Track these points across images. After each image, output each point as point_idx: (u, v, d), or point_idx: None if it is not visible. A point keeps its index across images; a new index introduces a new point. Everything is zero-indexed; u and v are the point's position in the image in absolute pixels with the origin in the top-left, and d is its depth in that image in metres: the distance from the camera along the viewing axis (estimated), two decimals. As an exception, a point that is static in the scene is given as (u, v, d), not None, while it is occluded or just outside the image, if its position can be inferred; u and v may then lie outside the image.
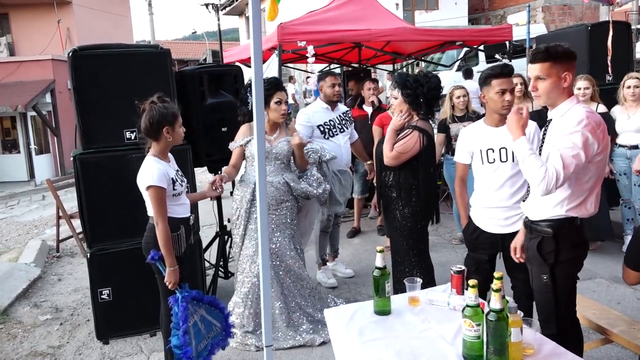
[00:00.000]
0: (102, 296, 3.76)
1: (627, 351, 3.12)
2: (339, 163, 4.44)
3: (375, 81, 6.23)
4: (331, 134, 4.51)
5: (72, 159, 3.68)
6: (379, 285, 2.35)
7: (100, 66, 3.62)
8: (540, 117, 3.05)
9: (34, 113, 13.37)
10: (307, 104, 13.48)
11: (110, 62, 3.65)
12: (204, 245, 4.49)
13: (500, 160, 2.94)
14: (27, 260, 5.76)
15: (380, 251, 2.38)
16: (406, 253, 3.51)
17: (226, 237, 4.68)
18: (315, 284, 4.14)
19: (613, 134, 4.69)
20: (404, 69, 9.95)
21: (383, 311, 2.38)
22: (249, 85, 3.83)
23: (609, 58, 5.47)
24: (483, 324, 1.90)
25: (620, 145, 4.79)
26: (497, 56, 13.12)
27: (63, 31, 16.37)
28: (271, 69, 5.83)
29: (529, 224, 2.55)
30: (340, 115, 4.61)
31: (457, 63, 13.54)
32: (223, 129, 4.16)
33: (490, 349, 1.89)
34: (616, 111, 4.85)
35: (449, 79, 11.96)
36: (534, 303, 2.69)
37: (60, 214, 6.22)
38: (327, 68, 8.77)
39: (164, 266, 2.90)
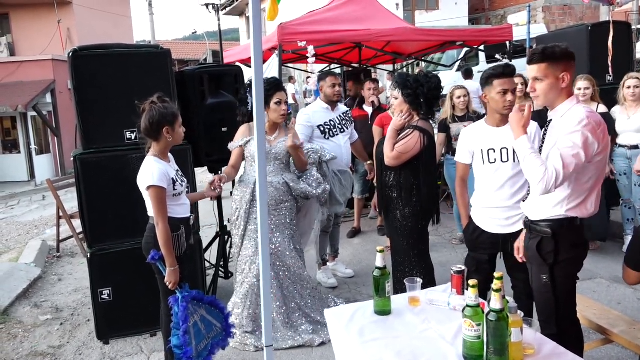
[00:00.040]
0: (103, 296, 3.76)
1: (627, 351, 3.12)
2: (339, 163, 4.44)
3: (376, 81, 6.23)
4: (331, 134, 4.51)
5: (72, 159, 3.68)
6: (379, 285, 2.36)
7: (101, 66, 3.62)
8: (541, 117, 3.05)
9: (34, 113, 13.37)
10: (307, 104, 13.48)
11: (110, 62, 3.65)
12: (205, 245, 4.49)
13: (501, 161, 2.94)
14: (28, 260, 5.76)
15: (381, 251, 2.38)
16: (406, 253, 3.51)
17: (226, 237, 4.68)
18: (315, 284, 4.14)
19: (613, 134, 4.69)
20: (405, 69, 9.95)
21: (383, 311, 2.38)
22: (249, 85, 3.83)
23: (610, 58, 5.47)
24: (483, 324, 1.90)
25: (621, 146, 4.79)
26: (497, 56, 13.12)
27: (63, 31, 16.38)
28: (271, 69, 5.83)
29: (529, 224, 2.55)
30: (340, 116, 4.62)
31: (458, 63, 13.54)
32: (223, 129, 4.17)
33: (491, 349, 1.89)
34: (616, 111, 4.85)
35: (449, 79, 11.96)
36: (534, 303, 2.69)
37: (61, 214, 6.22)
38: (328, 68, 8.78)
39: (165, 266, 2.91)
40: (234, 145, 3.77)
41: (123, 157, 3.65)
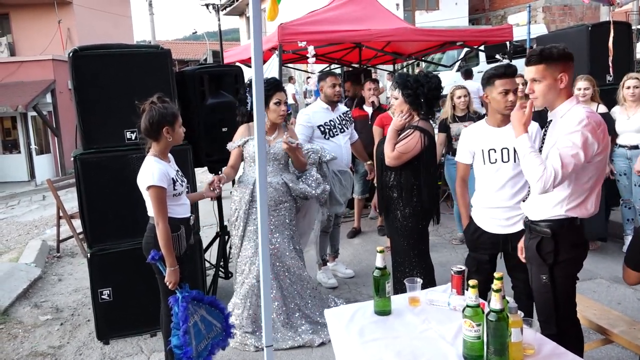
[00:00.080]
0: (103, 296, 3.76)
1: (627, 351, 3.12)
2: (339, 163, 4.44)
3: (376, 81, 6.23)
4: (331, 134, 4.51)
5: (72, 159, 3.68)
6: (379, 285, 2.36)
7: (101, 66, 3.62)
8: (542, 118, 3.05)
9: (34, 113, 13.38)
10: (307, 104, 13.48)
11: (110, 62, 3.65)
12: (205, 245, 4.49)
13: (502, 161, 2.94)
14: (28, 261, 5.76)
15: (381, 251, 2.38)
16: (406, 253, 3.51)
17: (226, 237, 4.68)
18: (315, 284, 4.14)
19: (613, 134, 4.69)
20: (405, 70, 9.94)
21: (383, 311, 2.38)
22: (248, 85, 3.83)
23: (610, 58, 5.47)
24: (483, 324, 1.90)
25: (621, 146, 4.79)
26: (497, 56, 13.12)
27: (63, 31, 16.39)
28: (271, 69, 5.83)
29: (529, 224, 2.55)
30: (340, 116, 4.62)
31: (458, 63, 13.54)
32: (223, 129, 4.17)
33: (491, 349, 1.89)
34: (616, 111, 4.85)
35: (449, 79, 11.97)
36: (534, 303, 2.69)
37: (61, 214, 6.22)
38: (328, 68, 8.78)
39: (165, 266, 2.91)
40: (232, 146, 3.77)
41: (123, 157, 3.65)
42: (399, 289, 3.12)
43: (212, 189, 3.30)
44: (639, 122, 4.65)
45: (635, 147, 4.68)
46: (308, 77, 15.56)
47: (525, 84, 5.12)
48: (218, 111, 4.20)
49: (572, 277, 2.52)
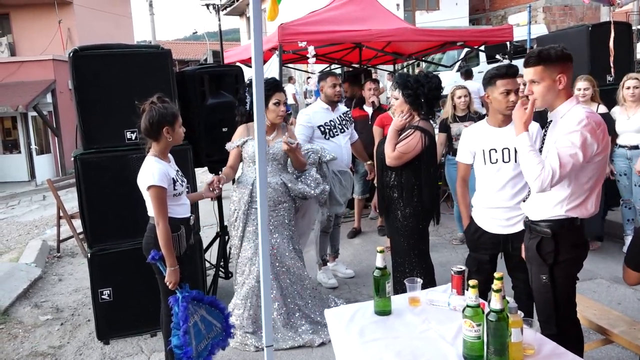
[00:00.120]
0: (103, 296, 3.76)
1: (627, 352, 3.12)
2: (340, 164, 4.44)
3: (376, 82, 6.23)
4: (332, 135, 4.51)
5: (72, 159, 3.68)
6: (380, 285, 2.36)
7: (101, 66, 3.62)
8: (542, 118, 3.05)
9: (34, 113, 13.38)
10: (307, 104, 13.48)
11: (111, 62, 3.65)
12: (205, 245, 4.49)
13: (503, 161, 2.94)
14: (28, 261, 5.76)
15: (381, 251, 2.39)
16: (407, 253, 3.51)
17: (226, 237, 4.68)
18: (315, 284, 4.15)
19: (613, 134, 4.69)
20: (405, 70, 9.94)
21: (383, 311, 2.38)
22: (247, 85, 3.84)
23: (612, 59, 5.47)
24: (483, 324, 1.90)
25: (621, 146, 4.79)
26: (497, 57, 13.13)
27: (64, 31, 16.39)
28: (272, 69, 5.83)
29: (529, 224, 2.55)
30: (340, 116, 4.62)
31: (458, 63, 13.54)
32: (224, 129, 4.17)
33: (491, 349, 1.89)
34: (616, 112, 4.85)
35: (449, 79, 11.97)
36: (534, 303, 2.69)
37: (61, 214, 6.22)
38: (328, 68, 8.78)
39: (165, 266, 2.91)
40: (231, 146, 3.77)
41: (123, 157, 3.65)
42: (399, 289, 3.12)
43: (211, 189, 3.31)
44: (639, 122, 4.65)
45: (636, 147, 4.68)
46: (308, 77, 15.56)
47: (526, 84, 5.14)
48: (218, 111, 4.20)
49: (572, 277, 2.53)
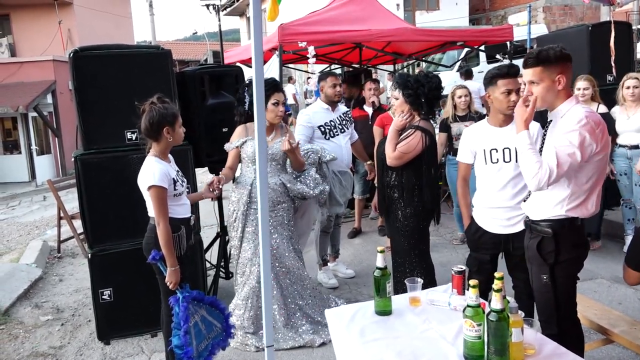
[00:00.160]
0: (103, 297, 3.76)
1: (628, 351, 3.12)
2: (340, 164, 4.44)
3: (376, 82, 6.23)
4: (332, 135, 4.51)
5: (73, 159, 3.69)
6: (380, 285, 2.36)
7: (102, 67, 3.63)
8: (543, 118, 3.05)
9: (35, 114, 13.38)
10: (307, 105, 13.48)
11: (111, 62, 3.65)
12: (205, 245, 4.49)
13: (504, 161, 2.95)
14: (28, 261, 5.77)
15: (381, 251, 2.39)
16: (407, 253, 3.51)
17: (227, 237, 4.68)
18: (315, 284, 4.14)
19: (613, 134, 4.69)
20: (405, 70, 9.94)
21: (384, 311, 2.38)
22: (246, 85, 3.84)
23: (613, 58, 5.47)
24: (484, 324, 1.90)
25: (621, 146, 4.79)
26: (498, 56, 13.11)
27: (64, 32, 16.38)
28: (272, 69, 5.83)
29: (529, 224, 2.56)
30: (340, 116, 4.62)
31: (458, 63, 13.54)
32: (224, 130, 4.16)
33: (491, 349, 1.89)
34: (616, 111, 4.85)
35: (449, 79, 11.96)
36: (535, 303, 2.69)
37: (62, 214, 6.23)
38: (328, 69, 8.78)
39: (165, 266, 2.91)
40: (230, 147, 3.77)
41: (124, 158, 3.66)
42: (400, 289, 3.12)
43: (211, 189, 3.31)
44: (639, 121, 4.65)
45: (636, 147, 4.68)
46: (308, 78, 15.57)
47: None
48: (218, 111, 4.21)
49: (572, 277, 2.52)
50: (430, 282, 3.40)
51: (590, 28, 5.78)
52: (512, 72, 2.91)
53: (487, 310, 1.94)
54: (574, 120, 2.29)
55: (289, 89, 16.23)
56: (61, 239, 6.38)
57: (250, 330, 3.70)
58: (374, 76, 8.53)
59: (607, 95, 4.96)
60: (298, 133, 4.42)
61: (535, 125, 2.88)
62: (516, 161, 2.87)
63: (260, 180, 2.31)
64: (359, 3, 6.74)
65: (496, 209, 3.00)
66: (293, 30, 5.70)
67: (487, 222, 3.05)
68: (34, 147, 13.72)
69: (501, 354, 1.87)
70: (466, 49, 10.71)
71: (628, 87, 4.67)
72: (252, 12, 2.17)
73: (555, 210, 2.42)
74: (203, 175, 6.36)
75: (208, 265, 4.55)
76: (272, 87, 3.72)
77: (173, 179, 2.94)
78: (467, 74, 10.06)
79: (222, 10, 24.29)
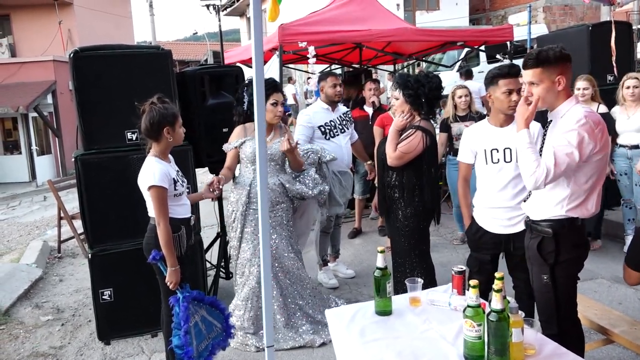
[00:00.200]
0: (104, 297, 3.76)
1: (628, 352, 3.12)
2: (340, 164, 4.44)
3: (377, 82, 6.23)
4: (332, 135, 4.51)
5: (73, 159, 3.69)
6: (380, 285, 2.36)
7: (102, 67, 3.63)
8: (544, 117, 3.05)
9: (35, 114, 13.38)
10: (307, 105, 13.48)
11: (111, 63, 3.65)
12: (205, 246, 4.49)
13: (505, 161, 2.94)
14: (29, 261, 5.77)
15: (381, 251, 2.39)
16: (407, 254, 3.51)
17: (227, 237, 4.68)
18: (315, 284, 4.14)
19: (613, 134, 4.69)
20: (405, 70, 9.94)
21: (384, 311, 2.38)
22: (245, 85, 3.83)
23: (614, 58, 5.47)
24: (484, 324, 1.90)
25: (621, 145, 4.79)
26: (498, 56, 13.12)
27: (64, 32, 16.38)
28: (272, 69, 5.83)
29: (530, 224, 2.56)
30: (340, 116, 4.62)
31: (458, 63, 13.54)
32: (224, 130, 4.16)
33: (492, 349, 1.89)
34: (616, 111, 4.85)
35: (449, 79, 11.96)
36: (535, 303, 2.69)
37: (62, 214, 6.23)
38: (328, 69, 8.78)
39: (165, 266, 2.91)
40: (228, 147, 3.77)
41: (124, 158, 3.66)
42: (400, 289, 3.12)
43: (211, 190, 3.31)
44: (639, 121, 4.64)
45: (636, 147, 4.68)
46: (309, 78, 15.57)
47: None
48: (219, 112, 4.20)
49: (573, 277, 2.52)
50: (430, 282, 3.40)
51: (590, 28, 5.78)
52: (513, 72, 2.90)
53: (487, 310, 1.94)
54: (573, 120, 2.29)
55: (289, 89, 16.24)
56: (61, 239, 6.38)
57: (251, 330, 3.70)
58: (374, 76, 8.53)
59: (607, 95, 4.96)
60: (298, 133, 4.42)
61: (536, 125, 2.88)
62: (517, 161, 2.87)
63: (261, 181, 2.31)
64: (359, 3, 6.73)
65: (497, 209, 3.00)
66: (293, 30, 5.70)
67: (487, 222, 3.05)
68: (34, 147, 13.73)
69: (501, 354, 1.87)
70: (466, 49, 10.72)
71: (628, 87, 4.67)
72: (253, 12, 2.17)
73: (555, 210, 2.42)
74: (203, 176, 6.37)
75: (208, 265, 4.55)
76: (271, 87, 3.71)
77: (173, 179, 2.94)
78: (467, 74, 10.06)
79: (223, 11, 24.30)
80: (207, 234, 5.09)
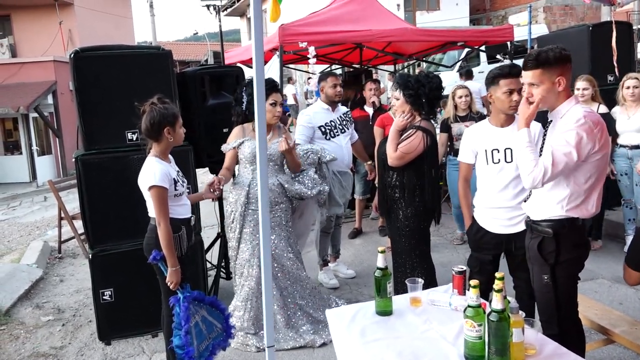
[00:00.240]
0: (104, 297, 3.76)
1: (629, 352, 3.12)
2: (340, 164, 4.44)
3: (377, 82, 6.24)
4: (332, 135, 4.51)
5: (74, 160, 3.69)
6: (381, 285, 2.36)
7: (102, 67, 3.63)
8: (544, 118, 3.06)
9: (35, 114, 13.39)
10: (308, 105, 13.48)
11: (112, 63, 3.66)
12: (206, 246, 4.49)
13: (505, 161, 2.94)
14: (29, 262, 5.77)
15: (382, 252, 2.39)
16: (408, 254, 3.51)
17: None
18: (315, 284, 4.14)
19: (614, 134, 4.69)
20: (405, 70, 9.94)
21: (384, 312, 2.38)
22: (244, 85, 3.83)
23: (615, 58, 5.47)
24: (485, 324, 1.90)
25: (621, 146, 4.79)
26: (498, 57, 13.12)
27: (65, 32, 16.40)
28: (272, 70, 5.83)
29: (530, 224, 2.56)
30: (341, 116, 4.62)
31: (459, 64, 13.54)
32: (224, 130, 4.16)
33: (492, 349, 1.89)
34: (616, 111, 4.85)
35: (450, 79, 11.96)
36: (536, 303, 2.69)
37: (62, 215, 6.23)
38: (328, 69, 8.78)
39: (166, 266, 2.91)
40: (227, 148, 3.76)
41: (124, 158, 3.66)
42: (400, 289, 3.12)
43: (212, 190, 3.31)
44: (639, 121, 4.65)
45: (636, 147, 4.68)
46: (309, 78, 15.57)
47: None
48: (219, 112, 4.21)
49: (573, 277, 2.52)
50: (431, 282, 3.40)
51: (590, 28, 5.78)
52: (514, 72, 2.90)
53: (487, 310, 1.94)
54: (572, 120, 2.30)
55: (289, 89, 16.24)
56: (62, 239, 6.38)
57: (251, 331, 3.70)
58: (374, 76, 8.53)
59: (608, 95, 4.96)
60: (298, 133, 4.42)
61: (536, 126, 2.88)
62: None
63: (261, 181, 2.31)
64: (360, 3, 6.74)
65: (497, 209, 3.00)
66: (294, 30, 5.70)
67: (488, 222, 3.05)
68: (34, 147, 13.74)
69: (502, 354, 1.87)
70: (467, 49, 10.71)
71: (628, 87, 4.66)
72: (253, 13, 2.17)
73: (555, 210, 2.42)
74: (203, 176, 6.37)
75: (209, 265, 4.55)
76: (270, 87, 3.71)
77: (174, 179, 2.94)
78: (467, 74, 10.06)
79: (223, 11, 24.32)
80: (208, 234, 5.10)
